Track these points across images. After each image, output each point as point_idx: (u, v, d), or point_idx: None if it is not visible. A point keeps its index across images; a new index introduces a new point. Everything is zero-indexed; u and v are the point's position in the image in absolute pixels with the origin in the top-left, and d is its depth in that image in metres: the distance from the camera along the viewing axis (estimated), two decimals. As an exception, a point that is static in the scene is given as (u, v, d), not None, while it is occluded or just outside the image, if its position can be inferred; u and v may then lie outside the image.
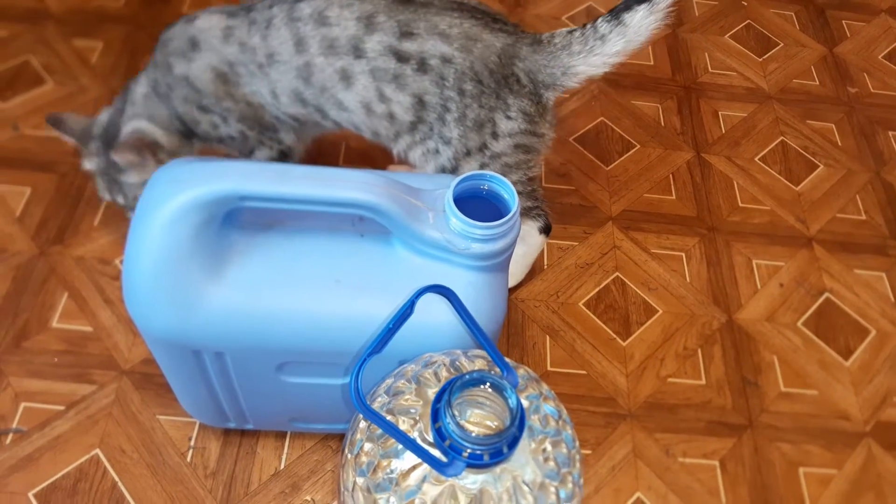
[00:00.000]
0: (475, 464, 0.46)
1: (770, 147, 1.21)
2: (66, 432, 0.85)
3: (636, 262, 1.05)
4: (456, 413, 0.49)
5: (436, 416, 0.47)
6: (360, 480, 0.51)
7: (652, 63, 1.32)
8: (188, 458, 0.85)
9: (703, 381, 0.95)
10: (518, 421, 0.46)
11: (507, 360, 0.53)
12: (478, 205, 0.69)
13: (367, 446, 0.52)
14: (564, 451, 0.52)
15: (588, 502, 0.85)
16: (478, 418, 0.51)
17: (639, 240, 1.08)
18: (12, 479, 0.82)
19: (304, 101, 0.85)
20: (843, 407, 0.94)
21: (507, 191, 0.66)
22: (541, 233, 0.95)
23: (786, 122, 1.25)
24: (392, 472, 0.49)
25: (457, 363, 0.54)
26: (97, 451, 0.84)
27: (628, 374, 0.95)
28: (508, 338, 0.97)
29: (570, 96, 1.25)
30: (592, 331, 0.98)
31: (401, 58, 0.80)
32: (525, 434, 0.49)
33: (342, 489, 0.54)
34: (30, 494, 0.81)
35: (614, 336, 0.98)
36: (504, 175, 0.71)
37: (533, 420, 0.51)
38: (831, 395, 0.95)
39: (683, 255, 1.07)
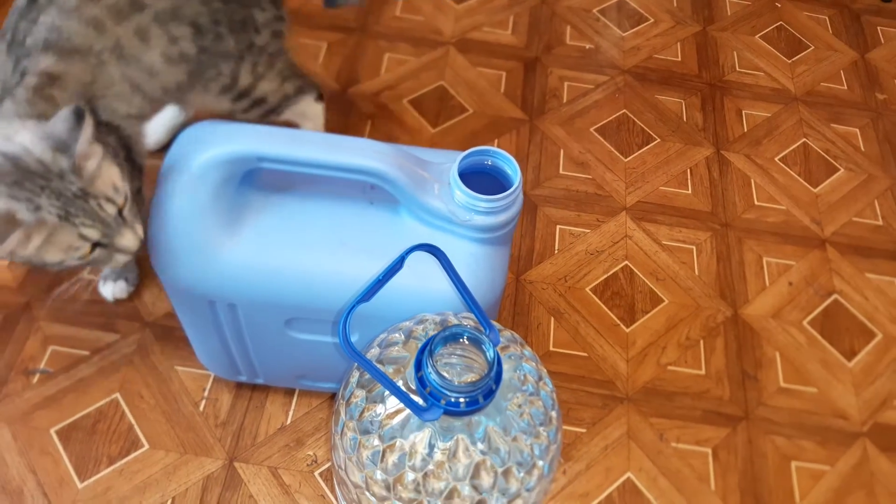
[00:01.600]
0: (452, 410, 0.49)
1: (791, 148, 1.21)
2: (89, 376, 0.91)
3: (646, 252, 1.07)
4: (438, 364, 0.53)
5: (419, 365, 0.50)
6: (349, 423, 0.55)
7: (679, 59, 1.33)
8: (201, 408, 0.90)
9: (703, 372, 0.97)
10: (494, 373, 0.49)
11: (491, 321, 0.56)
12: (482, 180, 0.72)
13: (358, 392, 0.55)
14: (541, 408, 0.55)
15: (579, 478, 0.88)
16: (460, 374, 0.54)
17: (651, 231, 1.10)
18: (36, 415, 0.88)
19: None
20: (841, 406, 0.95)
21: (511, 166, 0.69)
22: (317, 101, 1.04)
23: (810, 124, 1.25)
24: (377, 415, 0.53)
25: (446, 321, 0.57)
26: (117, 395, 0.90)
27: (629, 359, 0.97)
28: (514, 317, 1.00)
29: (594, 87, 1.27)
30: (597, 316, 1.01)
31: None
32: (502, 389, 0.53)
33: (333, 432, 0.58)
34: (52, 431, 0.87)
35: (618, 322, 1.00)
36: (271, 66, 0.83)
37: (512, 377, 0.54)
38: (831, 393, 0.96)
39: (694, 248, 1.09)
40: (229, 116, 0.94)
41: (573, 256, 1.06)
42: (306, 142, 0.67)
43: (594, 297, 1.02)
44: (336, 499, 0.84)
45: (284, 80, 0.97)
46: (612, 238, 1.09)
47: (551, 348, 0.97)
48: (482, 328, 0.54)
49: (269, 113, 0.98)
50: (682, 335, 1.00)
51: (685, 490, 0.88)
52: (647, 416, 0.93)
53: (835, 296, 1.05)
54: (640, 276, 1.05)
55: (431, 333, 0.54)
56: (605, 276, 1.05)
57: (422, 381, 0.50)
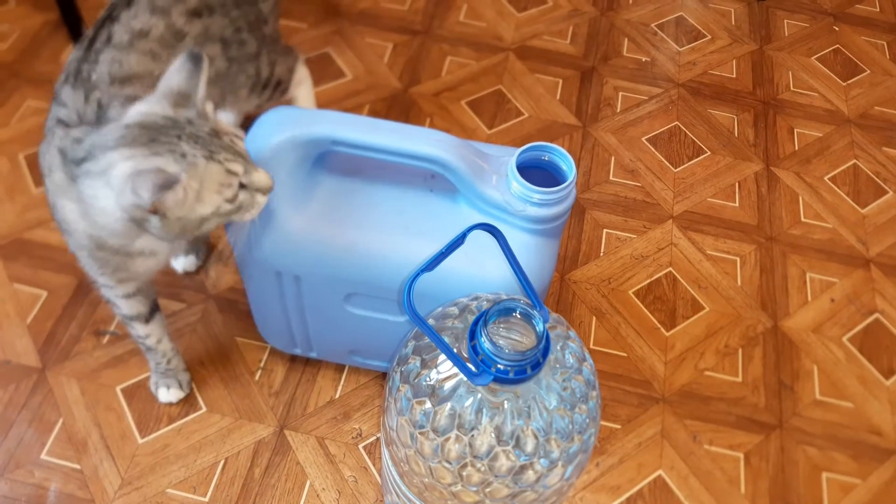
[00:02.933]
0: (502, 377, 0.53)
1: (841, 168, 1.23)
2: (156, 340, 0.97)
3: (690, 260, 1.10)
4: (493, 335, 0.57)
5: (473, 334, 0.54)
6: (402, 386, 0.59)
7: (734, 76, 1.35)
8: (256, 377, 0.95)
9: (740, 379, 0.99)
10: (543, 346, 0.53)
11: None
12: (537, 174, 0.76)
13: (414, 357, 0.60)
14: (583, 385, 0.58)
15: (611, 472, 0.91)
16: (512, 345, 0.58)
17: (696, 240, 1.12)
18: (104, 373, 0.94)
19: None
20: (876, 423, 0.97)
21: (566, 162, 0.73)
22: (303, 64, 1.06)
23: (861, 146, 1.26)
24: (431, 379, 0.57)
25: (499, 299, 0.61)
26: (180, 359, 0.96)
27: (667, 361, 1.00)
28: (557, 313, 1.03)
29: (648, 99, 1.30)
30: (638, 318, 1.04)
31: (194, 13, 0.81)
32: (548, 363, 0.56)
33: (386, 395, 0.62)
34: (117, 388, 0.93)
35: (658, 325, 1.03)
36: (276, 49, 0.89)
37: (558, 353, 0.58)
38: (867, 409, 0.98)
39: (738, 259, 1.11)
40: (257, 112, 0.98)
41: (618, 260, 1.09)
42: (378, 129, 0.72)
43: (636, 300, 1.05)
44: (379, 470, 0.88)
45: (286, 55, 1.01)
46: (658, 245, 1.11)
47: (592, 346, 1.01)
48: (533, 306, 0.58)
49: (283, 92, 1.02)
50: (722, 342, 1.02)
51: (715, 491, 0.90)
52: (681, 417, 0.95)
53: (876, 315, 1.06)
54: (683, 282, 1.08)
55: (485, 308, 0.58)
56: (649, 280, 1.07)
57: (475, 350, 0.54)
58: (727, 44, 1.41)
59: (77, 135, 0.67)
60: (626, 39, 1.40)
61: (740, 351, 1.02)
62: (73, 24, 1.26)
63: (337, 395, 0.94)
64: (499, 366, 0.53)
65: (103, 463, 0.88)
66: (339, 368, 0.96)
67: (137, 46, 0.76)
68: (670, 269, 1.09)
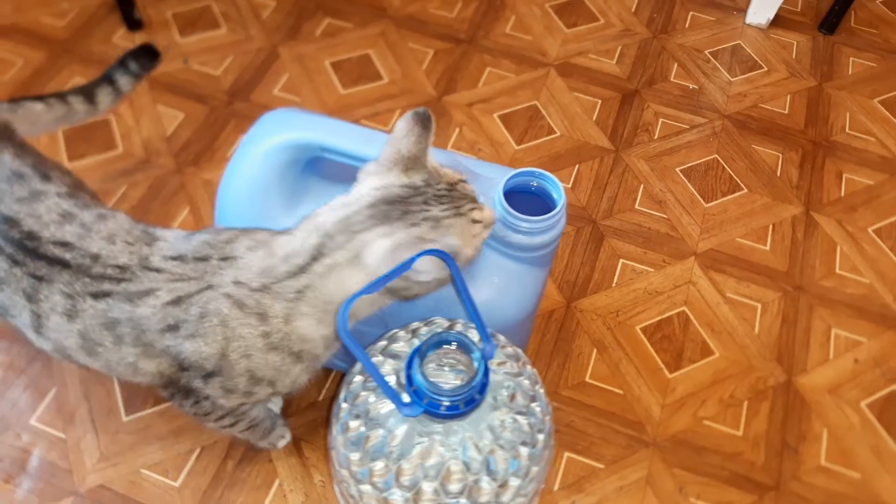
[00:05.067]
0: (432, 412, 0.52)
1: (889, 220, 1.15)
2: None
3: (708, 301, 1.05)
4: (431, 368, 0.55)
5: (410, 364, 0.53)
6: (343, 404, 0.58)
7: (786, 112, 1.28)
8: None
9: (741, 433, 0.94)
10: (479, 383, 0.51)
11: (490, 333, 0.58)
12: (531, 201, 0.74)
13: (358, 377, 0.59)
14: (526, 428, 0.56)
15: (587, 512, 0.87)
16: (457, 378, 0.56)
17: (717, 281, 1.07)
18: (106, 349, 0.97)
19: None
20: (885, 499, 0.90)
21: (556, 189, 0.71)
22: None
23: (915, 199, 1.18)
24: (368, 402, 0.56)
25: (454, 327, 0.60)
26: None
27: (665, 404, 0.95)
28: (557, 342, 1.00)
29: (689, 128, 1.25)
30: (642, 356, 0.99)
31: None
32: (488, 401, 0.54)
33: (334, 407, 0.61)
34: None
35: (662, 366, 0.99)
36: None
37: (501, 392, 0.55)
38: (876, 483, 0.91)
39: (760, 306, 1.05)
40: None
41: (630, 292, 1.05)
42: (367, 140, 0.72)
43: (643, 336, 1.01)
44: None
45: None
46: (675, 281, 1.07)
47: (587, 379, 0.97)
48: (484, 339, 0.56)
49: None
50: (727, 392, 0.97)
51: (695, 548, 0.85)
52: (670, 465, 0.91)
53: (903, 383, 0.99)
54: (696, 324, 1.03)
55: (431, 335, 0.57)
56: (659, 318, 1.03)
57: (410, 379, 0.52)
58: (784, 77, 1.34)
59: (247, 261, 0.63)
60: (676, 64, 1.35)
61: (746, 403, 0.96)
62: (125, 8, 1.30)
63: (320, 398, 0.94)
64: (431, 399, 0.51)
65: (87, 435, 0.90)
66: (327, 372, 0.96)
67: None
68: (684, 308, 1.04)
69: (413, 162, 0.62)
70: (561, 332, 1.01)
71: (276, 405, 0.92)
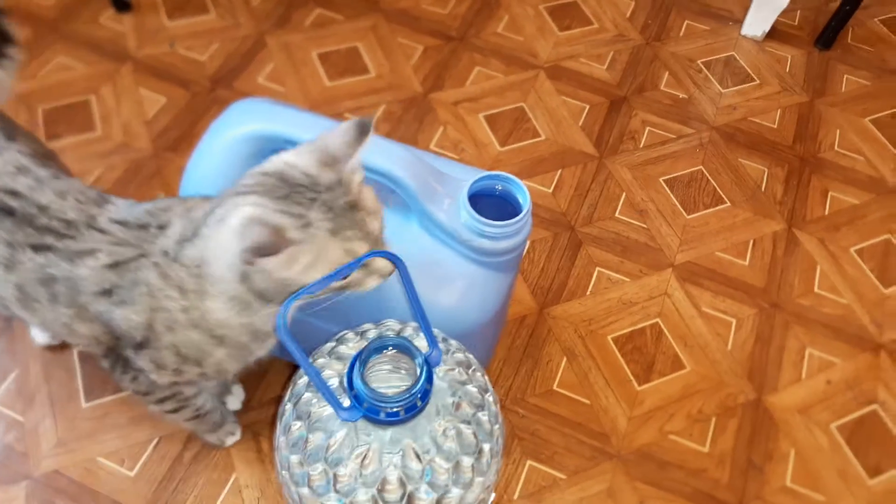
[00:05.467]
0: (371, 417, 0.51)
1: (871, 241, 1.14)
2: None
3: (682, 314, 1.04)
4: (386, 370, 0.54)
5: (351, 367, 0.51)
6: (288, 404, 0.57)
7: (775, 126, 1.27)
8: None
9: (706, 449, 0.93)
10: (420, 390, 0.50)
11: (441, 338, 0.57)
12: (499, 204, 0.73)
13: (302, 380, 0.58)
14: (471, 438, 0.55)
15: (545, 522, 0.86)
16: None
17: (693, 294, 1.06)
18: (70, 333, 0.95)
19: None
20: (848, 523, 0.89)
21: (522, 194, 0.69)
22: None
23: (900, 221, 1.16)
24: (311, 403, 0.55)
25: (404, 331, 0.58)
26: (140, 331, 0.96)
27: (632, 417, 0.94)
28: (526, 347, 0.99)
29: (676, 138, 1.24)
30: (611, 366, 0.98)
31: None
32: (431, 408, 0.53)
33: (279, 412, 0.60)
34: (75, 350, 0.94)
35: (631, 378, 0.98)
36: None
37: (446, 399, 0.54)
38: (840, 507, 0.90)
39: (734, 321, 1.04)
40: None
41: (604, 302, 1.04)
42: (332, 134, 0.70)
43: (614, 346, 1.00)
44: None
45: None
46: (651, 293, 1.06)
47: (555, 387, 0.96)
48: (431, 344, 0.55)
49: None
50: (695, 407, 0.96)
51: (651, 564, 0.84)
52: (633, 478, 0.90)
53: (875, 406, 0.98)
54: (669, 337, 1.02)
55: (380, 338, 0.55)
56: (631, 328, 1.02)
57: (350, 383, 0.51)
58: (775, 91, 1.32)
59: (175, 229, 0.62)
60: (667, 73, 1.33)
61: (714, 419, 0.95)
62: (114, -12, 1.29)
63: (283, 393, 0.93)
64: (371, 404, 0.50)
65: (45, 420, 0.89)
66: (293, 367, 0.95)
67: None
68: (658, 320, 1.03)
69: (332, 160, 0.58)
70: (531, 339, 1.00)
71: (237, 397, 0.91)
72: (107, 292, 0.63)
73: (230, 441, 0.88)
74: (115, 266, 0.62)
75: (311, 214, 0.55)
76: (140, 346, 0.64)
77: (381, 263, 0.58)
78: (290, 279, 0.55)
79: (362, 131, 0.58)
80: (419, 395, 0.50)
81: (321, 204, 0.56)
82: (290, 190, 0.56)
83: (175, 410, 0.74)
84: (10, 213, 0.64)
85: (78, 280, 0.63)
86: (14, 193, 0.65)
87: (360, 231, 0.57)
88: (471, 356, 0.60)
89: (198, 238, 0.59)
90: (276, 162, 0.59)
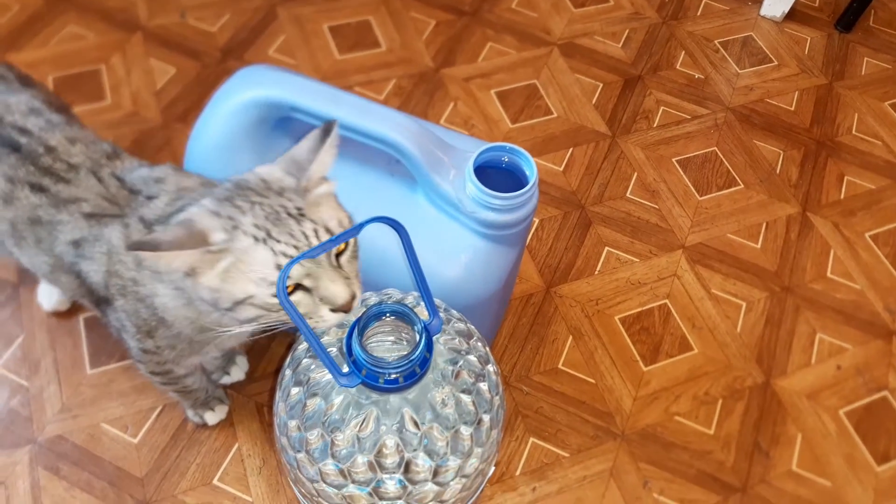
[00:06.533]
0: (370, 384, 0.50)
1: (887, 227, 1.12)
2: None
3: (691, 296, 1.02)
4: (390, 339, 0.53)
5: (350, 333, 0.51)
6: (287, 370, 0.57)
7: (792, 108, 1.25)
8: (213, 332, 0.94)
9: (712, 431, 0.92)
10: (419, 357, 0.49)
11: (443, 308, 0.56)
12: (506, 177, 0.72)
13: (302, 346, 0.57)
14: (470, 407, 0.54)
15: (545, 500, 0.86)
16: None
17: (703, 276, 1.04)
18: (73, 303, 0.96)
19: None
20: (854, 509, 0.88)
21: (528, 166, 0.68)
22: None
23: (917, 207, 1.14)
24: (309, 368, 0.54)
25: (405, 300, 0.58)
26: (146, 300, 0.96)
27: (637, 397, 0.93)
28: (532, 325, 0.98)
29: (690, 118, 1.22)
30: (618, 346, 0.97)
31: None
32: (430, 377, 0.52)
33: (279, 378, 0.60)
34: (81, 316, 0.94)
35: (638, 358, 0.97)
36: None
37: (446, 367, 0.54)
38: (846, 493, 0.89)
39: (744, 304, 1.02)
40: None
41: (612, 281, 1.03)
42: (338, 102, 0.69)
43: (621, 327, 0.99)
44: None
45: None
46: (660, 273, 1.04)
47: (560, 366, 0.95)
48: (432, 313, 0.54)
49: None
50: (702, 389, 0.95)
51: (653, 544, 0.84)
52: (636, 459, 0.89)
53: (885, 393, 0.96)
54: (677, 318, 1.00)
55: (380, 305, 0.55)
56: (640, 309, 1.01)
57: (349, 349, 0.51)
58: (794, 73, 1.30)
59: (144, 212, 0.61)
60: (683, 52, 1.31)
61: (720, 402, 0.94)
62: (126, -43, 1.28)
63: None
64: (370, 371, 0.50)
65: (50, 385, 0.89)
66: (293, 340, 0.94)
67: None
68: (666, 301, 1.02)
69: (295, 166, 0.55)
70: (538, 317, 0.99)
71: (241, 368, 0.91)
72: (75, 243, 0.63)
73: (211, 420, 0.87)
74: (90, 216, 0.63)
75: (242, 218, 0.52)
76: (105, 301, 0.65)
77: (331, 292, 0.52)
78: (211, 285, 0.52)
79: (325, 133, 0.56)
80: (418, 363, 0.50)
81: (261, 208, 0.52)
82: (235, 192, 0.54)
83: (156, 374, 0.74)
84: (16, 148, 0.65)
85: (57, 225, 0.63)
86: (24, 131, 0.66)
87: (298, 244, 0.52)
88: (472, 326, 0.59)
89: (168, 225, 0.57)
90: (251, 173, 0.57)
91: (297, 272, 0.51)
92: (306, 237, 0.52)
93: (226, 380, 0.90)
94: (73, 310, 0.94)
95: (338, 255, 0.54)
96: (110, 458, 0.85)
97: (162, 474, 0.84)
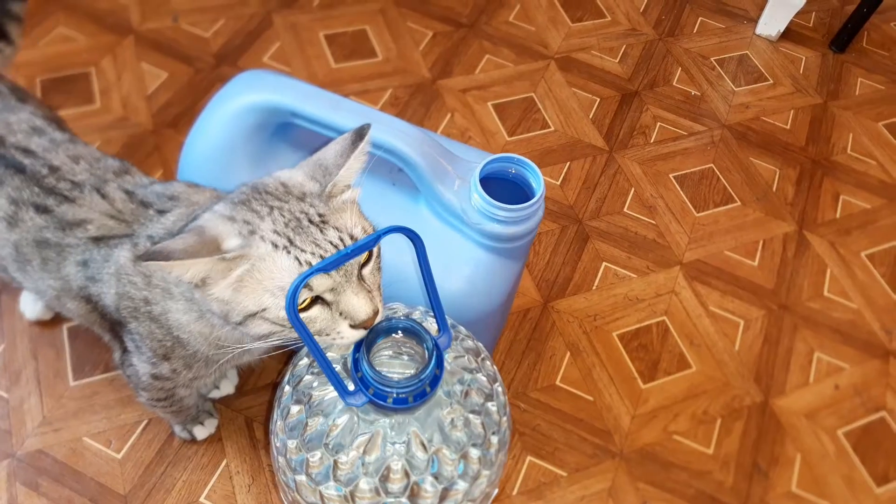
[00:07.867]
0: (377, 403, 0.48)
1: (883, 247, 1.11)
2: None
3: (689, 313, 1.01)
4: (387, 354, 0.51)
5: (356, 349, 0.49)
6: (286, 387, 0.54)
7: (788, 127, 1.25)
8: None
9: (711, 451, 0.90)
10: (430, 376, 0.47)
11: (450, 324, 0.54)
12: (511, 189, 0.70)
13: (304, 360, 0.55)
14: (479, 428, 0.52)
15: (544, 520, 0.84)
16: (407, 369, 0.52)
17: (701, 293, 1.03)
18: (61, 309, 0.92)
19: None
20: (854, 532, 0.87)
21: (535, 178, 0.67)
22: None
23: (912, 227, 1.14)
24: (310, 386, 0.52)
25: (412, 314, 0.56)
26: (133, 309, 0.93)
27: (635, 415, 0.92)
28: (529, 341, 0.96)
29: (687, 134, 1.21)
30: (616, 363, 0.96)
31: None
32: (439, 396, 0.50)
33: (277, 394, 0.57)
34: (64, 326, 0.91)
35: (636, 376, 0.95)
36: None
37: (454, 387, 0.52)
38: (846, 515, 0.88)
39: (742, 322, 1.01)
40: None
41: (610, 297, 1.02)
42: (339, 108, 0.68)
43: (619, 343, 0.98)
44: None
45: None
46: (658, 290, 1.03)
47: (558, 382, 0.93)
48: (441, 329, 0.52)
49: None
50: (700, 408, 0.93)
51: (652, 567, 0.82)
52: (635, 478, 0.87)
53: (882, 413, 0.96)
54: (675, 335, 0.99)
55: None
56: (637, 325, 0.99)
57: (356, 366, 0.49)
58: (789, 92, 1.30)
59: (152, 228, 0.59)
60: (680, 69, 1.31)
61: (719, 421, 0.93)
62: (118, -41, 1.26)
63: (278, 379, 0.90)
64: (378, 389, 0.48)
65: (31, 397, 0.86)
66: (292, 354, 0.92)
67: None
68: (664, 318, 1.01)
69: (320, 171, 0.52)
70: (535, 332, 0.97)
71: (231, 382, 0.88)
72: (84, 263, 0.61)
73: (200, 435, 0.84)
74: (98, 240, 0.60)
75: (260, 224, 0.49)
76: (119, 324, 0.62)
77: (353, 306, 0.48)
78: (221, 296, 0.49)
79: (357, 138, 0.53)
80: (429, 381, 0.48)
81: (280, 213, 0.49)
82: (253, 195, 0.51)
83: (159, 400, 0.71)
84: (20, 170, 0.63)
85: (66, 248, 0.61)
86: (27, 151, 0.63)
87: (321, 252, 0.48)
88: (479, 344, 0.57)
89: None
90: (272, 177, 0.54)
91: (321, 283, 0.48)
92: (333, 245, 0.49)
93: (215, 394, 0.87)
94: (56, 319, 0.91)
95: (360, 266, 0.51)
96: (92, 474, 0.82)
97: (146, 491, 0.81)
